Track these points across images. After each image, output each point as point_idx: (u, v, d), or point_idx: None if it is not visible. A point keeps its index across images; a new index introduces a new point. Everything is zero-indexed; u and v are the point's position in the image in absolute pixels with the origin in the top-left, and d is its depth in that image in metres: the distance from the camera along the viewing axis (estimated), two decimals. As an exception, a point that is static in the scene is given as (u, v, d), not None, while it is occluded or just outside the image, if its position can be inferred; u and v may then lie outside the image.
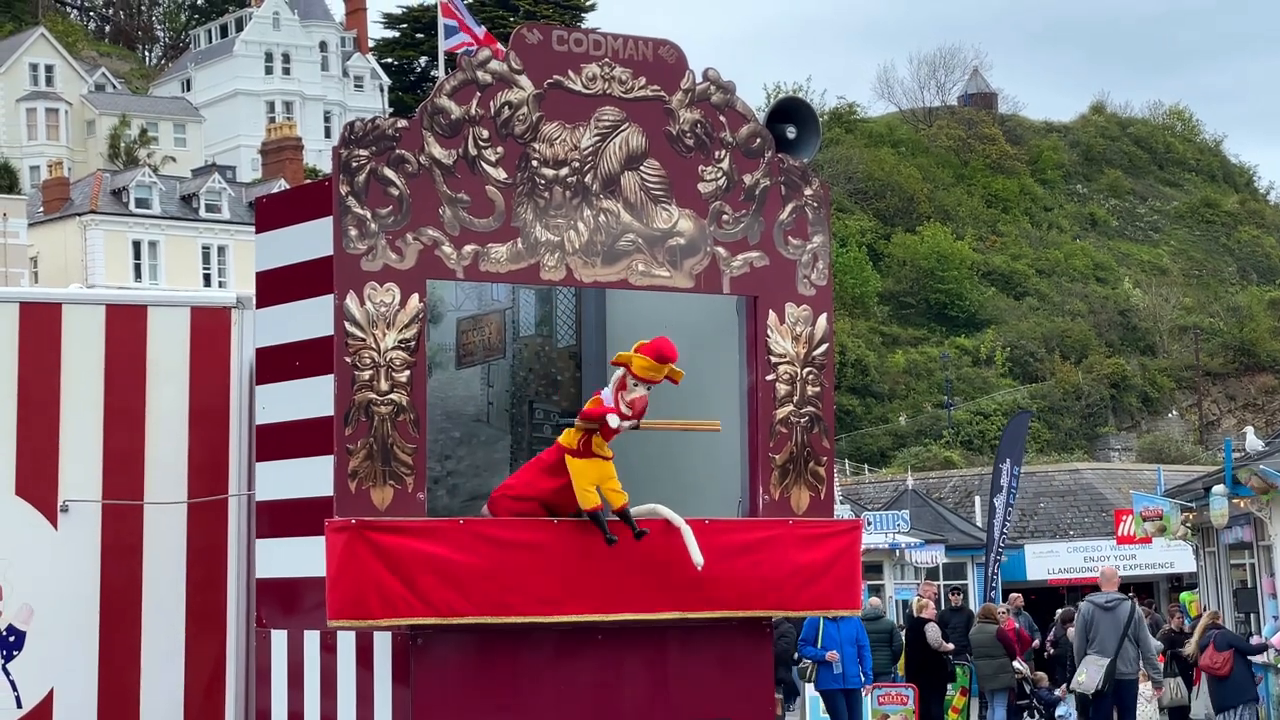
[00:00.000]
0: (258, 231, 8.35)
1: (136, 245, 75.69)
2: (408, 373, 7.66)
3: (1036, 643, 27.43)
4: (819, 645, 20.71)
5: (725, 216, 8.35)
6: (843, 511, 39.75)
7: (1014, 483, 30.36)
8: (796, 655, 22.33)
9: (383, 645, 7.79)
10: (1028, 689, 25.37)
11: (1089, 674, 19.04)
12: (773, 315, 8.40)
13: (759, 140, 8.47)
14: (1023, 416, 37.68)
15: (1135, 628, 19.24)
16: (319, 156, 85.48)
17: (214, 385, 8.81)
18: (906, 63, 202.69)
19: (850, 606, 8.67)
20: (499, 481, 9.40)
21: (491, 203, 7.88)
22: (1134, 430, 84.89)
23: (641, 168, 8.18)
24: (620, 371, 7.89)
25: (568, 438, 7.92)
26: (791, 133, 8.81)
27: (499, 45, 8.32)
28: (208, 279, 75.25)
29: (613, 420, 7.83)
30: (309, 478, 7.80)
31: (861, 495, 56.97)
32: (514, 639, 7.89)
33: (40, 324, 8.62)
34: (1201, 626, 21.18)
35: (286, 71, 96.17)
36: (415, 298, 7.70)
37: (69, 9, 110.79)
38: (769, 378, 8.38)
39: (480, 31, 36.66)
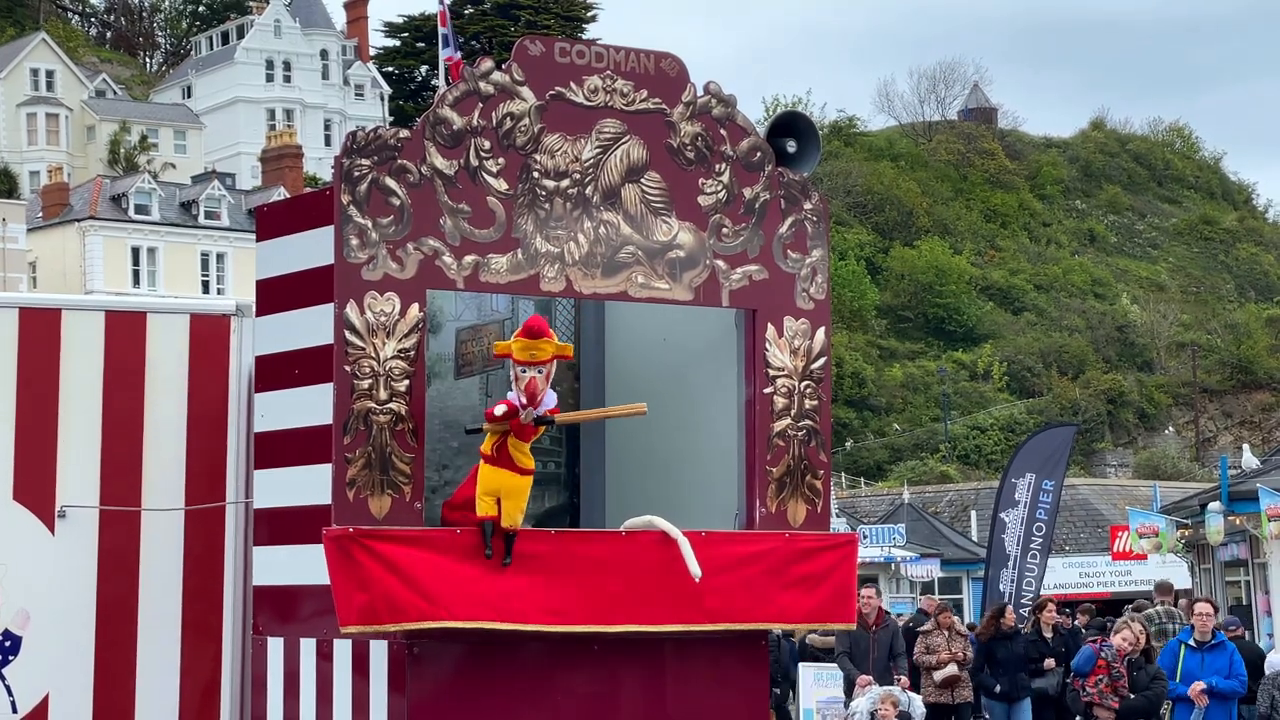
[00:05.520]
0: (258, 239, 8.36)
1: (135, 252, 75.75)
2: (407, 382, 7.68)
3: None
4: (1178, 678, 16.90)
5: (725, 229, 8.36)
6: (839, 524, 39.75)
7: (1045, 498, 28.71)
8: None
9: (379, 654, 7.79)
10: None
11: None
12: (771, 328, 8.42)
13: (759, 154, 8.49)
14: (1060, 431, 32.31)
15: None
16: (319, 164, 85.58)
17: (213, 392, 8.82)
18: (906, 77, 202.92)
19: (845, 620, 8.67)
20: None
21: (492, 213, 7.90)
22: (1130, 446, 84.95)
23: (642, 180, 8.19)
24: (511, 366, 7.73)
25: (485, 444, 7.79)
26: (791, 146, 8.82)
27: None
28: (207, 286, 75.32)
29: (498, 409, 7.63)
30: (307, 486, 7.81)
31: (858, 508, 57.03)
32: (509, 650, 7.90)
33: (39, 330, 8.63)
34: None
35: (287, 79, 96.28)
36: (415, 307, 7.72)
37: (70, 14, 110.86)
38: (767, 391, 8.39)
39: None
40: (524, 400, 7.64)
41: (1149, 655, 17.22)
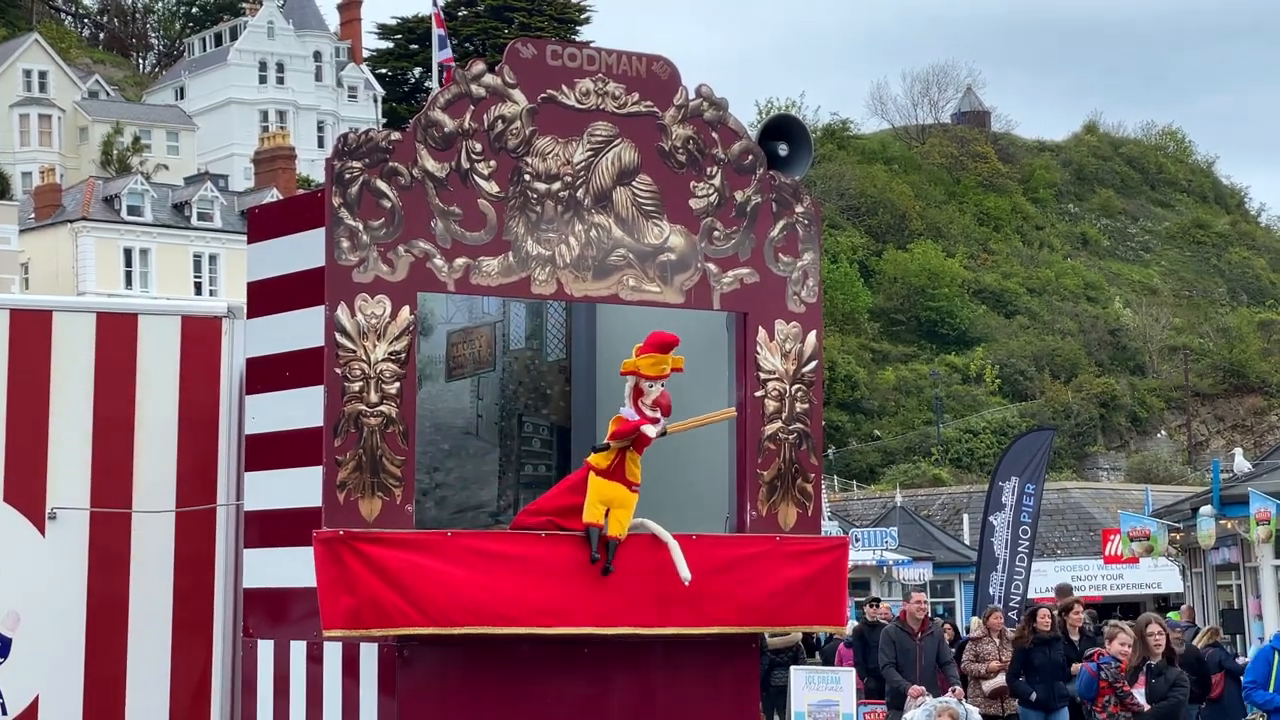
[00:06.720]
0: (250, 241, 8.37)
1: (128, 253, 75.61)
2: (397, 384, 7.68)
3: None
4: (1271, 688, 15.60)
5: (716, 233, 8.37)
6: (831, 528, 39.77)
7: (1028, 502, 28.80)
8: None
9: (369, 657, 7.79)
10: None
11: None
12: (762, 332, 8.42)
13: (751, 157, 8.49)
14: (1040, 435, 33.64)
15: None
16: (312, 166, 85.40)
17: (204, 394, 8.81)
18: (899, 80, 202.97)
19: (836, 624, 8.68)
20: (488, 494, 9.45)
21: (483, 216, 7.91)
22: (1123, 450, 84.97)
23: (633, 183, 8.20)
24: (632, 381, 7.90)
25: (599, 459, 7.92)
26: (783, 150, 8.83)
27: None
28: (199, 287, 75.19)
29: (649, 430, 7.86)
30: (298, 488, 7.80)
31: (850, 512, 57.05)
32: (499, 652, 7.90)
33: (30, 331, 8.63)
34: (1200, 643, 20.49)
35: (280, 81, 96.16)
36: (406, 310, 7.72)
37: (64, 15, 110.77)
38: (758, 394, 8.39)
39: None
40: (657, 414, 7.85)
41: (1171, 658, 16.06)
